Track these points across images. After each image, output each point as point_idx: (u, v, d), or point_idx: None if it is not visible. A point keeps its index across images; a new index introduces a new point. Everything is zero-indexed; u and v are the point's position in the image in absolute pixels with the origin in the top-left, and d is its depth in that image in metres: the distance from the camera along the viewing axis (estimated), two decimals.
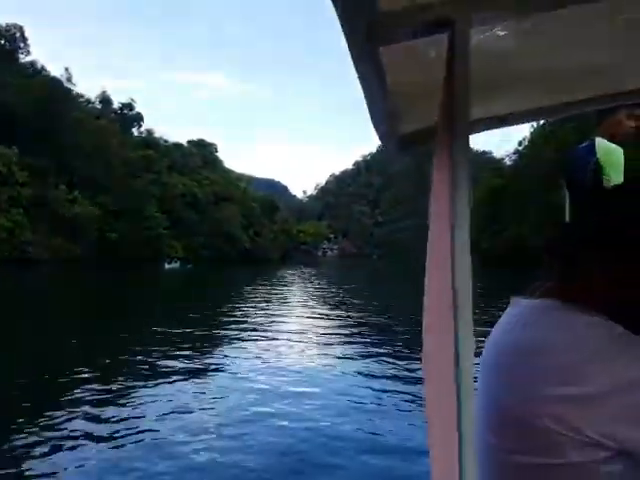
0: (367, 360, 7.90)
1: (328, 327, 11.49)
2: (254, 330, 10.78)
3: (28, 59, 62.40)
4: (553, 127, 48.31)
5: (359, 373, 7.05)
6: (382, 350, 8.63)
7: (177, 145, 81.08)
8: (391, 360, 7.81)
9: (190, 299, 18.43)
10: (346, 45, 0.59)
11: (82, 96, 69.73)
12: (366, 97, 0.71)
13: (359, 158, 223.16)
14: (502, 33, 0.71)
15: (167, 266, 47.66)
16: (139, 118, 79.12)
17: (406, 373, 7.01)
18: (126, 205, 59.59)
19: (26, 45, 61.00)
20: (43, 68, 63.60)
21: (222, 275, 41.33)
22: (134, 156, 64.88)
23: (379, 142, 0.90)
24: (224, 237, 73.67)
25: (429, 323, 0.62)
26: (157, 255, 58.35)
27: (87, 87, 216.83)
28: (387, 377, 6.85)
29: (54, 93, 57.40)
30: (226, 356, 8.10)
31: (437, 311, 0.61)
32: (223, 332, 10.31)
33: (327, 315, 13.85)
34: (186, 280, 34.97)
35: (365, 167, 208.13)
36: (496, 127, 0.99)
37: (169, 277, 37.53)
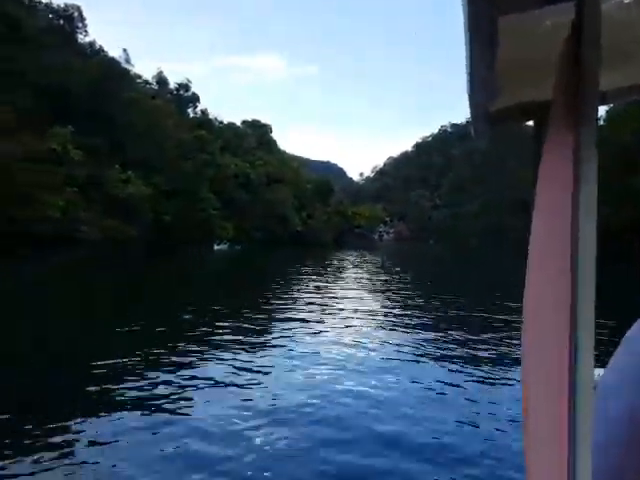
0: (435, 350, 7.64)
1: (389, 313, 10.96)
2: (303, 319, 10.16)
3: (87, 40, 63.19)
4: (631, 107, 43.06)
5: (427, 362, 6.87)
6: (450, 345, 8.14)
7: (231, 126, 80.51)
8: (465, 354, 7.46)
9: (229, 282, 17.74)
10: (464, 11, 0.58)
11: (140, 77, 70.31)
12: (470, 67, 0.68)
13: (419, 140, 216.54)
14: (628, 0, 0.68)
15: (216, 247, 47.68)
16: (195, 99, 78.91)
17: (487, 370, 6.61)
18: (179, 186, 59.43)
19: (84, 25, 61.70)
20: (101, 49, 64.29)
21: (269, 257, 40.70)
22: (188, 137, 64.45)
23: (468, 116, 0.87)
24: (276, 219, 72.62)
25: (533, 322, 0.59)
26: (208, 236, 58.10)
27: (143, 69, 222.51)
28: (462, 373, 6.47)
29: (111, 73, 57.76)
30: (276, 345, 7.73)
31: (546, 309, 0.57)
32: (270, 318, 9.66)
33: (385, 301, 13.21)
34: (233, 262, 34.55)
35: (425, 149, 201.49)
36: (622, 100, 0.94)
37: (216, 259, 37.06)
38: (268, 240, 68.40)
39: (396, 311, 11.24)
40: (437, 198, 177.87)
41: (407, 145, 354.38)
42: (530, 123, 0.89)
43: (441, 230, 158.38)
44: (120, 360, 6.72)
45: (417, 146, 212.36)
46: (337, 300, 12.46)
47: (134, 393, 5.44)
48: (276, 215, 72.80)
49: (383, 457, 4.02)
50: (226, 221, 65.70)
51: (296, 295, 12.92)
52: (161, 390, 5.52)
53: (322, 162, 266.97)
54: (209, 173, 64.40)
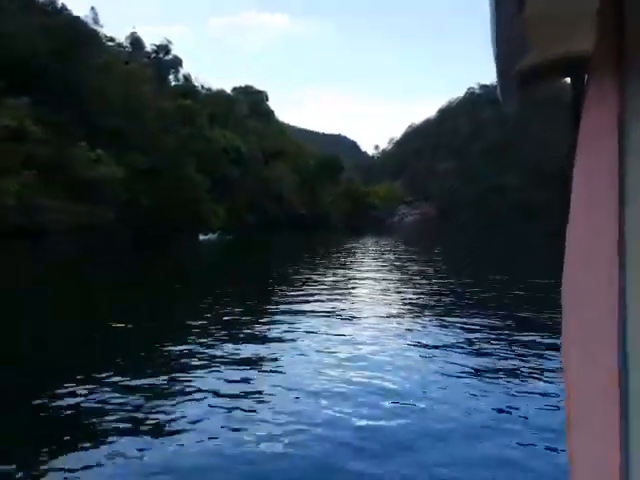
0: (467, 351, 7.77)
1: (407, 315, 10.88)
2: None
3: None
4: None
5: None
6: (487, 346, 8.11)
7: (220, 93, 79.78)
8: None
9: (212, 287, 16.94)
10: None
11: (111, 39, 69.58)
12: (495, 19, 0.68)
13: (443, 105, 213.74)
14: None
15: (202, 237, 47.18)
16: (176, 63, 78.19)
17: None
18: (160, 165, 59.05)
19: None
20: (64, 7, 63.63)
21: (263, 249, 40.32)
22: (170, 107, 63.94)
23: (495, 78, 0.86)
24: (274, 200, 72.51)
25: (573, 314, 0.59)
26: (196, 221, 57.77)
27: (114, 31, 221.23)
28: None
29: (76, 35, 57.21)
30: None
31: (589, 299, 0.57)
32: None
33: (400, 299, 13.11)
34: (219, 256, 34.29)
35: (451, 115, 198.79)
36: None
37: (201, 254, 36.94)
38: (266, 225, 68.21)
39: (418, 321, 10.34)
40: (466, 172, 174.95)
41: (429, 112, 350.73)
42: (567, 82, 0.88)
43: (472, 208, 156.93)
44: (122, 366, 7.18)
45: (441, 112, 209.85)
46: (346, 304, 12.21)
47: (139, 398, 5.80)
48: (274, 196, 72.49)
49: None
50: (216, 204, 65.32)
51: (292, 301, 12.47)
52: (163, 400, 5.78)
53: (331, 135, 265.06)
54: (195, 148, 63.98)
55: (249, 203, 70.41)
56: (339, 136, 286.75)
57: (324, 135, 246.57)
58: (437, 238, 56.30)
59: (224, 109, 74.98)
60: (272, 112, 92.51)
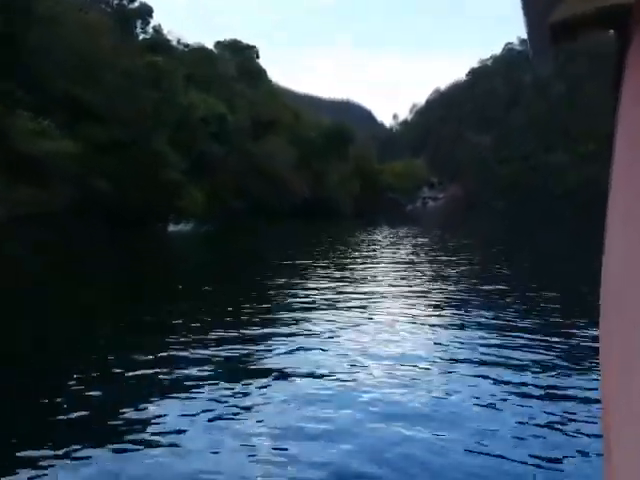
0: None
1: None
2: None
3: None
4: None
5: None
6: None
7: (200, 49, 76.99)
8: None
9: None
10: None
11: None
12: None
13: (475, 64, 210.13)
14: None
15: (172, 228, 45.21)
16: (145, 12, 74.86)
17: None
18: (124, 137, 56.52)
19: None
20: None
21: (253, 240, 37.94)
22: (136, 66, 61.33)
23: (524, 35, 0.82)
24: (268, 182, 69.99)
25: (615, 306, 0.60)
26: (168, 208, 55.38)
27: None
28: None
29: None
30: None
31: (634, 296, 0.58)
32: None
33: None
34: (182, 253, 32.63)
35: (484, 77, 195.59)
36: None
37: (160, 249, 35.52)
38: (257, 212, 66.11)
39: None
40: (503, 147, 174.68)
41: (457, 74, 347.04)
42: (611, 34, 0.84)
43: (511, 190, 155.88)
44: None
45: (472, 73, 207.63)
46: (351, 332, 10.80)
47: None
48: (268, 176, 70.26)
49: None
50: (195, 187, 62.73)
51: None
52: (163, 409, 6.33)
53: (339, 102, 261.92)
54: (168, 117, 61.56)
55: (236, 185, 67.93)
56: (350, 103, 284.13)
57: (331, 102, 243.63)
58: (470, 231, 53.12)
59: (205, 69, 72.22)
60: (264, 72, 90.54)
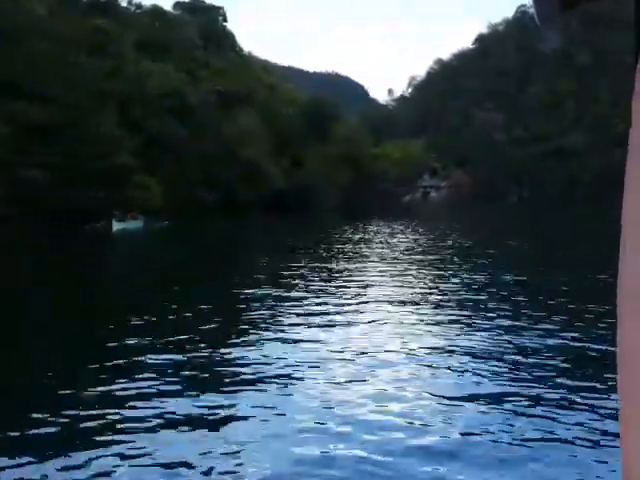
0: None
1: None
2: None
3: None
4: None
5: None
6: None
7: (155, 11, 76.05)
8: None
9: None
10: None
11: None
12: None
13: (484, 30, 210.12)
14: None
15: (117, 227, 44.14)
16: None
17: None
18: (61, 117, 55.35)
19: None
20: None
21: (213, 241, 37.27)
22: (76, 30, 60.19)
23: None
24: (238, 169, 69.10)
25: (633, 309, 0.65)
26: (117, 201, 54.39)
27: None
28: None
29: None
30: None
31: None
32: None
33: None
34: (123, 259, 31.67)
35: (495, 44, 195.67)
36: None
37: (99, 252, 34.55)
38: (227, 205, 65.83)
39: None
40: (517, 125, 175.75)
41: (464, 41, 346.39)
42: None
43: (528, 178, 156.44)
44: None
45: (480, 41, 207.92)
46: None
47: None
48: (239, 163, 69.60)
49: None
50: (149, 174, 62.05)
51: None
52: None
53: (326, 75, 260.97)
54: (115, 91, 60.82)
55: (201, 173, 67.11)
56: (338, 76, 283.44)
57: (317, 75, 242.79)
58: (481, 229, 52.01)
59: (161, 34, 71.32)
60: (233, 37, 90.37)
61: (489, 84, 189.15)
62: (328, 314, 13.40)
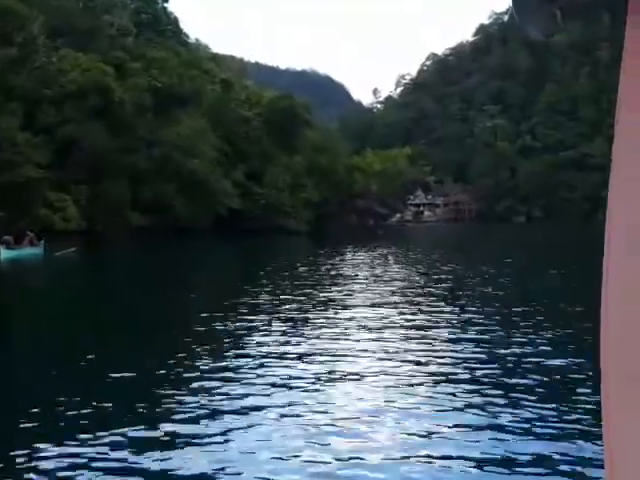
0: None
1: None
2: None
3: None
4: None
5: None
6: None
7: None
8: None
9: None
10: None
11: None
12: None
13: (486, 20, 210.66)
14: None
15: (4, 255, 41.12)
16: None
17: None
18: None
19: None
20: None
21: (121, 289, 32.68)
22: None
23: None
24: (178, 184, 66.72)
25: (615, 315, 0.73)
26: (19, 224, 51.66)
27: None
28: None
29: None
30: None
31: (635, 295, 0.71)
32: None
33: None
34: None
35: (498, 36, 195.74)
36: None
37: None
38: (166, 229, 63.49)
39: None
40: (527, 133, 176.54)
41: (463, 34, 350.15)
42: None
43: (539, 194, 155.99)
44: None
45: (482, 31, 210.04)
46: None
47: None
48: (182, 178, 66.80)
49: None
50: (63, 190, 60.17)
51: None
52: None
53: (301, 72, 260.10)
54: (19, 85, 59.26)
55: (131, 190, 64.70)
56: (316, 74, 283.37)
57: (289, 72, 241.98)
58: (489, 263, 47.75)
59: (82, 19, 68.41)
60: (175, 21, 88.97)
61: (493, 85, 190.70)
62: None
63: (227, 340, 16.43)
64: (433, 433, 8.54)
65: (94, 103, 62.94)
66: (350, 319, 18.41)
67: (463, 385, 10.83)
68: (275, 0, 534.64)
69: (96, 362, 13.81)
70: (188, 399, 10.55)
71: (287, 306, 21.78)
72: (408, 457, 7.55)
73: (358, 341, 15.59)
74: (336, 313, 19.76)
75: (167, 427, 9.02)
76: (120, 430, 8.68)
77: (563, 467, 7.14)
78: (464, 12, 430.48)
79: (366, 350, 14.36)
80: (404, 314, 19.21)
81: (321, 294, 24.56)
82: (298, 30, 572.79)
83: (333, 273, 33.34)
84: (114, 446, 8.14)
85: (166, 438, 8.60)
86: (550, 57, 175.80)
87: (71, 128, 61.04)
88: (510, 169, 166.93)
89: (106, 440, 8.51)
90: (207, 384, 11.25)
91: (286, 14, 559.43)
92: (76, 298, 26.04)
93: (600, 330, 0.74)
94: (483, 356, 13.32)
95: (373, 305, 21.68)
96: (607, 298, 0.74)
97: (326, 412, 9.56)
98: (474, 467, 7.18)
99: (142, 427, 9.11)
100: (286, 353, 14.46)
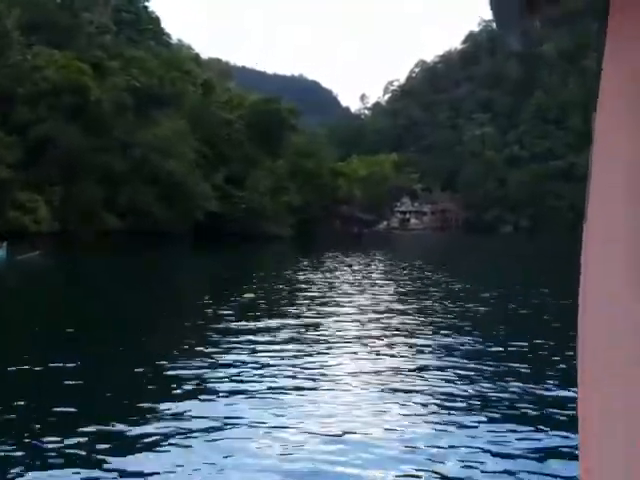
0: None
1: None
2: None
3: None
4: None
5: None
6: None
7: None
8: None
9: None
10: None
11: None
12: None
13: (475, 27, 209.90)
14: None
15: None
16: None
17: None
18: None
19: None
20: None
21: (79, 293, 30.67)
22: None
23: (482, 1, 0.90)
24: (157, 188, 65.04)
25: (592, 318, 0.76)
26: None
27: None
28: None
29: None
30: None
31: (609, 303, 0.74)
32: None
33: None
34: None
35: (487, 45, 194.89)
36: None
37: None
38: (143, 234, 61.29)
39: None
40: (515, 143, 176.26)
41: (451, 41, 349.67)
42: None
43: (527, 204, 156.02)
44: None
45: (471, 39, 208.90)
46: None
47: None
48: (155, 179, 64.73)
49: None
50: (36, 191, 58.24)
51: None
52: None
53: (289, 78, 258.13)
54: None
55: (108, 193, 62.64)
56: (304, 80, 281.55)
57: (277, 77, 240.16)
58: (477, 277, 45.84)
59: (60, 15, 66.80)
60: (157, 21, 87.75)
61: (481, 93, 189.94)
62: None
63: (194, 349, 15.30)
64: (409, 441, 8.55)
65: (70, 102, 61.21)
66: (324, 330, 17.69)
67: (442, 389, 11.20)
68: (263, 5, 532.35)
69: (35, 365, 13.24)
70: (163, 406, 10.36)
71: (258, 314, 20.50)
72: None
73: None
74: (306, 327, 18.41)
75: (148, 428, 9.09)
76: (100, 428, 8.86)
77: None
78: (454, 20, 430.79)
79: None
80: (382, 336, 17.48)
81: (292, 307, 23.00)
82: (287, 35, 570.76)
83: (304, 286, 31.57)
84: (96, 443, 8.27)
85: (149, 438, 8.61)
86: (538, 66, 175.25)
87: (45, 127, 59.36)
88: (498, 179, 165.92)
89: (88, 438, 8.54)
90: (181, 391, 11.12)
91: (275, 20, 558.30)
92: (28, 305, 24.49)
93: (577, 334, 0.77)
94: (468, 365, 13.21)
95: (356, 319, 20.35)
96: (585, 300, 0.75)
97: (298, 425, 9.40)
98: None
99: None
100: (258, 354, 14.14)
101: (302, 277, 33.74)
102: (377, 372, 12.93)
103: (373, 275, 37.35)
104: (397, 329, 18.64)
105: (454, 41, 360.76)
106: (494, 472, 7.44)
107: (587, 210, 0.78)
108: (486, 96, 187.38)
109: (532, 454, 8.18)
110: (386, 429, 9.16)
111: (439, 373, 13.88)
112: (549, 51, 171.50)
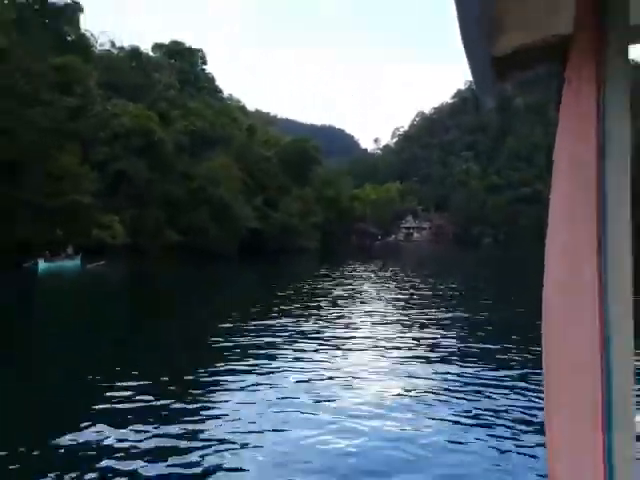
0: None
1: None
2: None
3: None
4: None
5: None
6: None
7: (132, 52, 68.42)
8: None
9: None
10: None
11: None
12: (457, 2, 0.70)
13: (462, 85, 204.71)
14: None
15: (42, 266, 36.13)
16: (74, 9, 65.56)
17: None
18: (21, 154, 47.05)
19: None
20: None
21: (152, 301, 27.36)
22: (40, 67, 52.27)
23: (466, 69, 0.86)
24: (209, 209, 61.11)
25: (556, 321, 0.68)
26: (71, 237, 46.32)
27: None
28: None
29: None
30: None
31: (570, 306, 0.66)
32: None
33: None
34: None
35: (473, 100, 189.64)
36: None
37: None
38: (196, 247, 57.29)
39: None
40: (494, 175, 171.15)
41: (444, 95, 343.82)
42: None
43: (502, 222, 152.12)
44: None
45: (458, 95, 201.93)
46: None
47: None
48: (209, 203, 60.91)
49: None
50: (113, 213, 54.12)
51: None
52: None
53: (320, 127, 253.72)
54: (79, 129, 52.66)
55: (168, 215, 58.69)
56: (333, 129, 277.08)
57: (313, 126, 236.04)
58: (463, 278, 42.31)
59: (134, 75, 63.33)
60: (212, 79, 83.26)
61: (467, 136, 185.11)
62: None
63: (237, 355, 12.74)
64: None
65: (140, 143, 57.69)
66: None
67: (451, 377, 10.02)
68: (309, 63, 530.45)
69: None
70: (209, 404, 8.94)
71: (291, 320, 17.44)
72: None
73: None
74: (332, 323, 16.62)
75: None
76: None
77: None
78: (445, 80, 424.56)
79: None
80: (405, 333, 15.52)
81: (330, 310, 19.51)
82: (320, 91, 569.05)
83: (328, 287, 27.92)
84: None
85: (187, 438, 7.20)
86: (511, 116, 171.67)
87: (120, 163, 55.75)
88: (481, 202, 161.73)
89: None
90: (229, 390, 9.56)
91: (317, 77, 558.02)
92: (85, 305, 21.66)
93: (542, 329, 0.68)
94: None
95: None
96: (547, 301, 0.68)
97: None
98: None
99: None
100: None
101: (328, 283, 30.08)
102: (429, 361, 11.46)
103: (387, 275, 36.09)
104: (423, 326, 16.34)
105: (445, 96, 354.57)
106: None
107: (548, 227, 0.74)
108: (471, 139, 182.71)
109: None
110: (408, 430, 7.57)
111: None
112: (519, 105, 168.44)
